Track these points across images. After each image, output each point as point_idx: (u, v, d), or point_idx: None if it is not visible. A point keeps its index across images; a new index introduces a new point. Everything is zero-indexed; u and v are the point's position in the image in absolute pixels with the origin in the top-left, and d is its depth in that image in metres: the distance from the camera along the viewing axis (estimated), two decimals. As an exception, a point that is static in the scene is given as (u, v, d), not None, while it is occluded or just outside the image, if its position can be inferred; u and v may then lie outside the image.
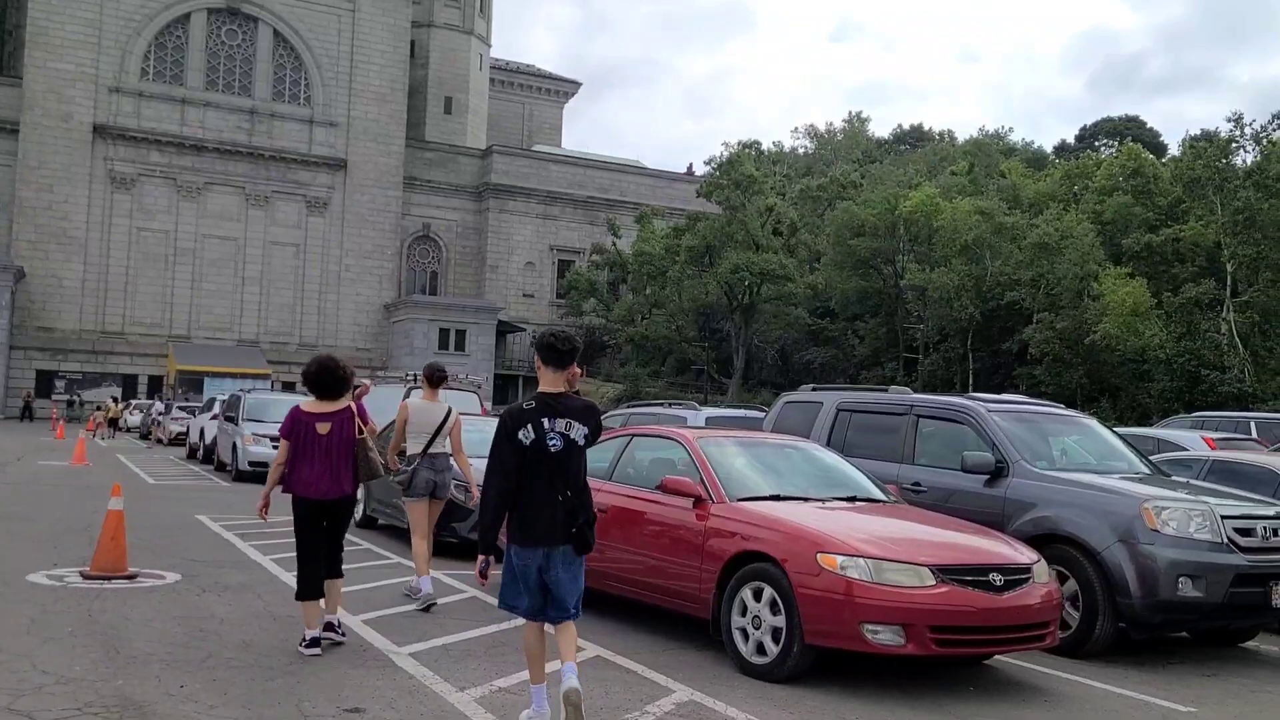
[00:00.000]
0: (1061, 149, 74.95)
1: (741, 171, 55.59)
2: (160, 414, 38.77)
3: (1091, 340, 39.13)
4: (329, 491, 6.82)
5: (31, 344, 60.40)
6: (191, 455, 28.49)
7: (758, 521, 6.84)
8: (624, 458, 8.54)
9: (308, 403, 7.08)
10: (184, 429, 32.94)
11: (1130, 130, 70.92)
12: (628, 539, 7.83)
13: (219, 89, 67.40)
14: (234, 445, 21.51)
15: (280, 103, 68.89)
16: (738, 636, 6.71)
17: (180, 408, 37.68)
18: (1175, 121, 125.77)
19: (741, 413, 14.97)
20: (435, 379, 9.10)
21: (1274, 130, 38.48)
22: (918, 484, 8.91)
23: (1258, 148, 38.29)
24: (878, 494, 7.88)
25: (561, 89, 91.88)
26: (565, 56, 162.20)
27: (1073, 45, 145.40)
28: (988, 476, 8.45)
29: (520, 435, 5.04)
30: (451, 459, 9.04)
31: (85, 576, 8.84)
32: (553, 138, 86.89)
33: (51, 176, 61.72)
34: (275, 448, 14.33)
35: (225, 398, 26.27)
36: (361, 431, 6.97)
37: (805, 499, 7.39)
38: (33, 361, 60.51)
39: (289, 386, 55.04)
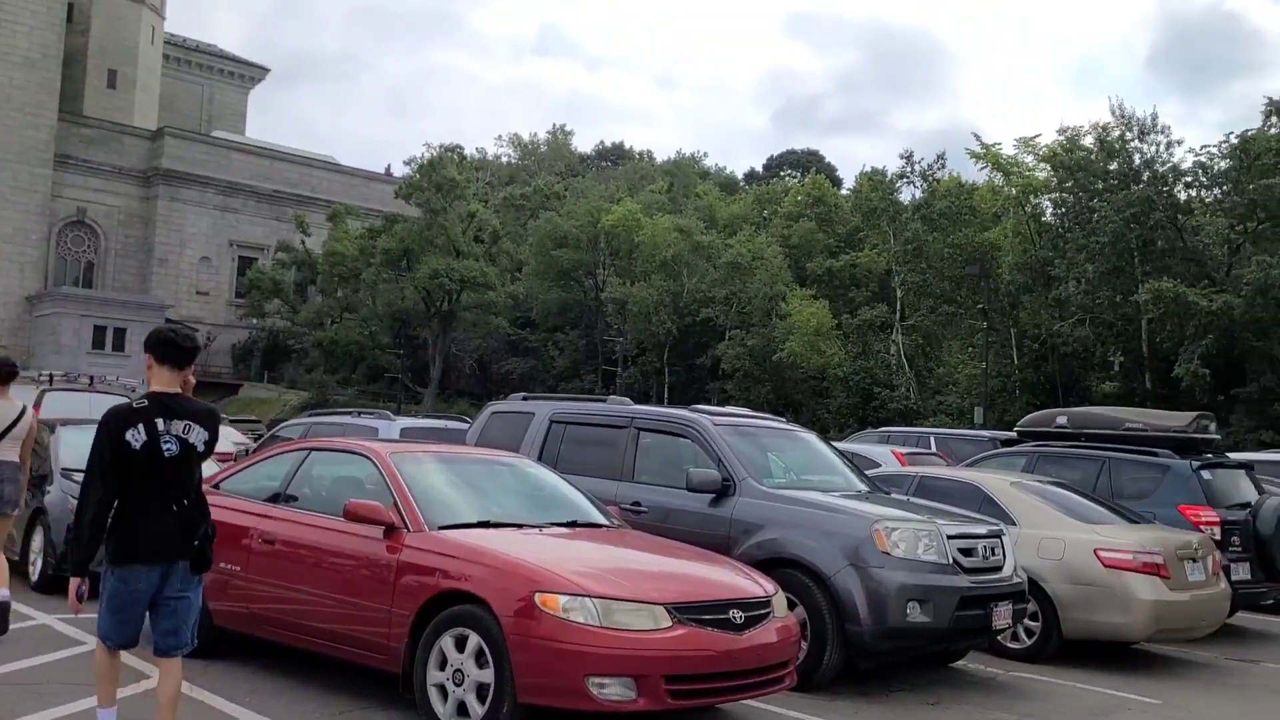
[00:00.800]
0: (751, 176, 79.17)
1: (443, 174, 53.87)
2: None
3: (779, 358, 41.05)
4: None
5: None
6: None
7: (463, 554, 5.68)
8: (299, 476, 7.09)
9: None
10: None
11: (811, 163, 75.92)
12: (300, 576, 6.41)
13: None
14: None
15: (-100, 57, 59.13)
16: (434, 695, 5.51)
17: None
18: (847, 159, 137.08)
19: (442, 424, 13.58)
20: (3, 375, 7.79)
21: (938, 170, 42.21)
22: (638, 504, 8.10)
23: (925, 184, 41.81)
24: (599, 517, 6.94)
25: (247, 73, 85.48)
26: (254, 43, 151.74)
27: (760, 82, 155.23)
28: (713, 495, 7.78)
29: (129, 437, 4.48)
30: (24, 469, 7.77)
31: None
32: (236, 125, 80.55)
33: None
34: None
35: None
36: None
37: (519, 525, 6.32)
38: None
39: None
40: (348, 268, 54.69)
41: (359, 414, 13.76)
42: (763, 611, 5.70)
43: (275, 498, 6.98)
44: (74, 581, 4.52)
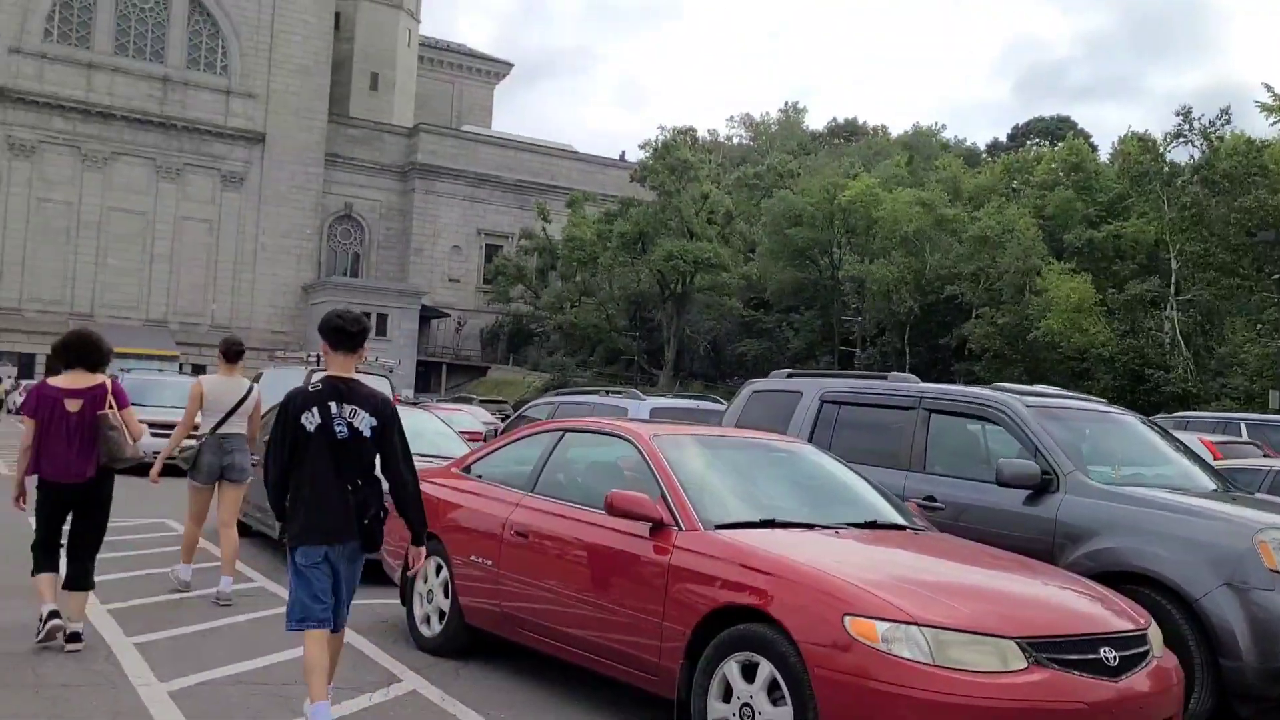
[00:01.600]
0: (994, 147, 74.26)
1: (676, 156, 53.59)
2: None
3: (1034, 336, 37.98)
4: (77, 474, 5.96)
5: (-86, 320, 56.11)
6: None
7: (748, 561, 4.71)
8: (553, 461, 6.36)
9: (59, 378, 6.07)
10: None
11: (1062, 130, 70.30)
12: (556, 575, 5.66)
13: (129, 54, 63.41)
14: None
15: (195, 71, 65.06)
16: (717, 731, 4.58)
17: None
18: (1097, 128, 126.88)
19: (694, 403, 12.61)
20: (231, 354, 8.17)
21: (1221, 127, 37.58)
22: (931, 498, 6.90)
23: (1205, 143, 37.35)
24: (898, 517, 5.80)
25: (492, 70, 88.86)
26: (498, 41, 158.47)
27: (999, 50, 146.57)
28: (1030, 492, 6.46)
29: (304, 420, 4.70)
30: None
31: None
32: (482, 119, 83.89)
33: (-60, 141, 57.44)
34: (157, 435, 12.40)
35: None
36: (111, 408, 6.00)
37: (809, 526, 5.29)
38: (-82, 338, 56.31)
39: (199, 370, 51.75)
40: (586, 252, 55.50)
41: (607, 393, 13.16)
42: (1139, 650, 4.41)
43: (529, 483, 6.28)
44: (280, 525, 4.95)
